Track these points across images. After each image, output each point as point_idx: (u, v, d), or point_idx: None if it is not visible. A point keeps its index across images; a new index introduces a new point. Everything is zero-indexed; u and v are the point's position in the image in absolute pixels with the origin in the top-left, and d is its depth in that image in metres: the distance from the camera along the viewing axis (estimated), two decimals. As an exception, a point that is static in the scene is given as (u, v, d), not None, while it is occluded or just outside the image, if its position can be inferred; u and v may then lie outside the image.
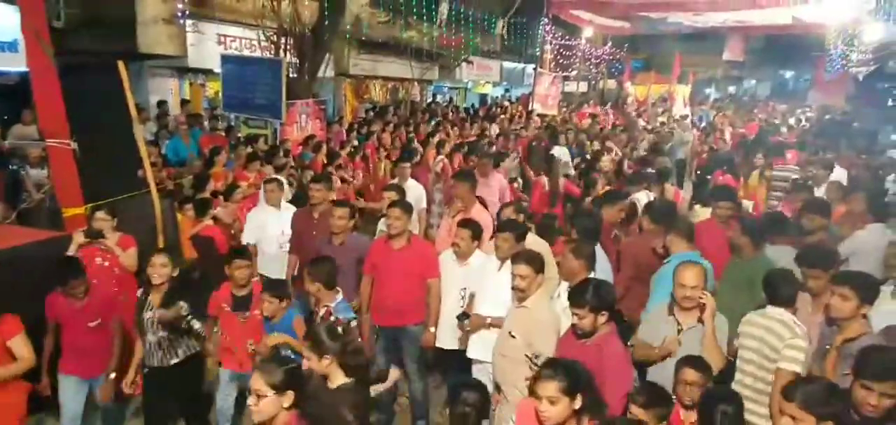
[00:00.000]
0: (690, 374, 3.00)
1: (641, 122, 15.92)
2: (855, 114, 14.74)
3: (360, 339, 3.38)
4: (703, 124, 16.53)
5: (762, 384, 3.38)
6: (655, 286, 4.13)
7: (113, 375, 4.09)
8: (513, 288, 3.48)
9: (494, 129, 12.90)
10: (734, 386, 3.42)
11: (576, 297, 3.11)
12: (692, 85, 23.39)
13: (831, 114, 16.91)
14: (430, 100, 19.15)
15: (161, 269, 3.99)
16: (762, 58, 29.04)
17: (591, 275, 3.59)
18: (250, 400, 2.56)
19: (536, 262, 3.48)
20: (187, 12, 10.88)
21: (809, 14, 15.98)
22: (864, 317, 3.24)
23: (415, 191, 6.70)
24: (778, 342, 3.32)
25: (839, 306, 3.21)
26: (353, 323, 3.70)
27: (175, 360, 4.03)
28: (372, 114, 14.15)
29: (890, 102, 14.33)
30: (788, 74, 32.16)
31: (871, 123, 12.96)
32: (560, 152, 9.66)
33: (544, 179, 8.35)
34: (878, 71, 11.42)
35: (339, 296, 3.96)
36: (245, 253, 4.41)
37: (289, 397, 2.54)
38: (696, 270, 3.38)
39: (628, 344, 3.51)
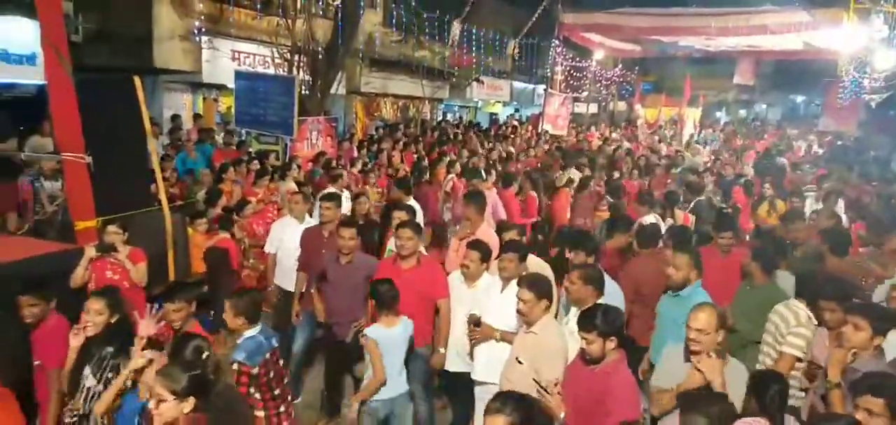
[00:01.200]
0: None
1: (663, 147, 15.87)
2: (867, 141, 14.66)
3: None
4: (714, 147, 16.48)
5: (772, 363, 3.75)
6: (664, 323, 4.09)
7: None
8: (517, 311, 3.47)
9: (498, 150, 12.91)
10: (758, 365, 3.78)
11: (585, 322, 3.08)
12: (702, 108, 23.37)
13: (843, 139, 16.84)
14: (440, 118, 19.25)
15: (96, 317, 3.41)
16: (773, 82, 29.00)
17: (601, 301, 3.56)
18: (151, 404, 2.55)
19: (538, 287, 3.47)
20: (203, 29, 11.03)
21: (820, 40, 15.97)
22: (877, 347, 3.20)
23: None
24: (785, 328, 3.71)
25: (852, 335, 3.18)
26: (237, 367, 3.34)
27: None
28: (382, 131, 14.21)
29: (904, 130, 14.40)
30: (799, 99, 32.06)
31: (883, 150, 12.88)
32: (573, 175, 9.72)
33: (534, 195, 8.46)
34: (890, 98, 11.36)
35: (253, 331, 3.52)
36: (174, 293, 3.78)
37: (190, 403, 2.54)
38: (705, 315, 3.09)
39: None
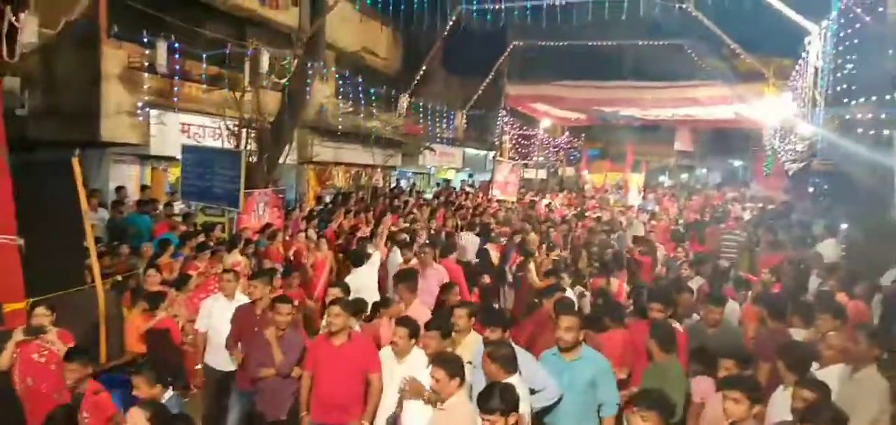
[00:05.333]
0: None
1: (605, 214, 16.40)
2: (793, 206, 15.69)
3: None
4: (650, 209, 17.16)
5: None
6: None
7: None
8: (430, 388, 3.66)
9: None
10: None
11: (484, 405, 3.21)
12: (646, 173, 24.48)
13: (773, 204, 17.90)
14: (393, 185, 19.55)
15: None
16: (711, 147, 30.61)
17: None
18: None
19: (450, 366, 3.66)
20: (150, 104, 11.13)
21: (749, 111, 17.25)
22: (756, 416, 3.48)
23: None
24: None
25: (733, 409, 3.44)
26: None
27: None
28: (332, 203, 14.22)
29: (820, 197, 15.41)
30: (737, 163, 33.81)
31: (806, 215, 13.78)
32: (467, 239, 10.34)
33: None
34: (806, 167, 12.38)
35: (169, 393, 4.23)
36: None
37: None
38: None
39: None
